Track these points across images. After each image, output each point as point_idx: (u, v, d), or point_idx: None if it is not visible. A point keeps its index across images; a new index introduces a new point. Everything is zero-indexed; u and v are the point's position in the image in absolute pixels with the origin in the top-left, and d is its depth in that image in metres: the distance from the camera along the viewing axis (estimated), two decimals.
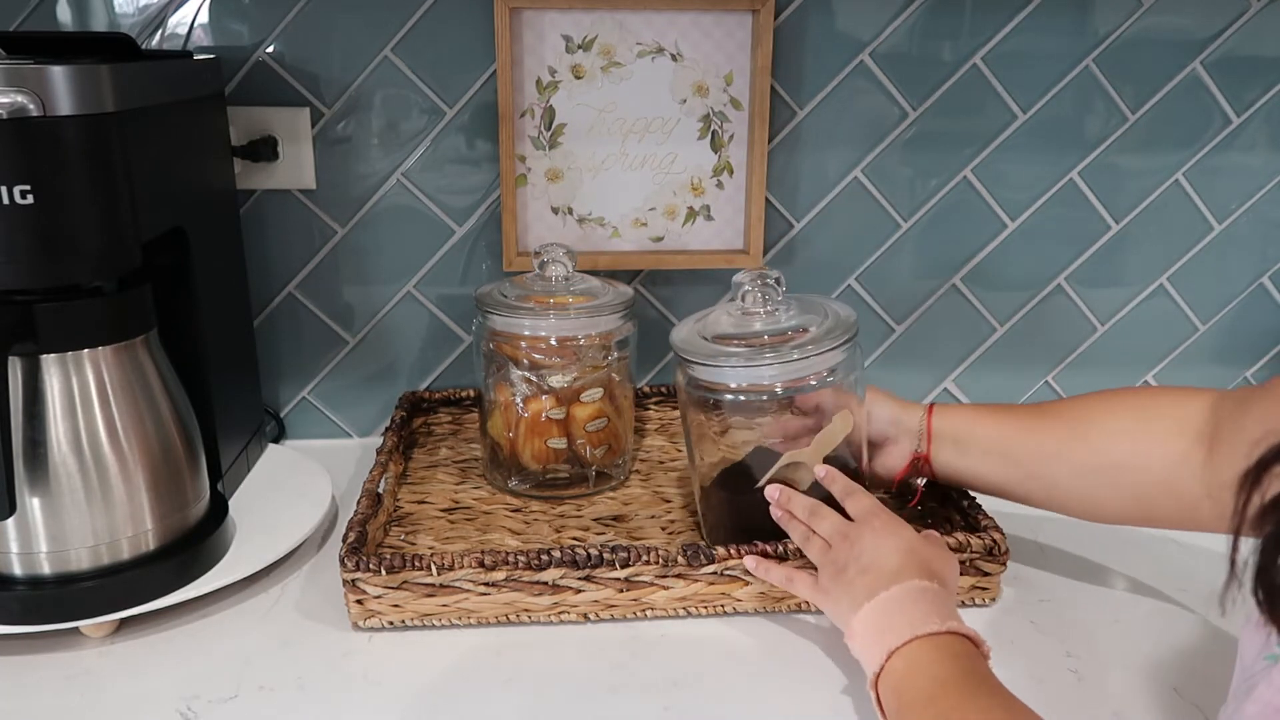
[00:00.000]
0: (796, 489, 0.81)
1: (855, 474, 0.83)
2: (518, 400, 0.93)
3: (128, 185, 0.72)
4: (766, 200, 1.07)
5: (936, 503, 0.90)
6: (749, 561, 0.76)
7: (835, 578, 0.71)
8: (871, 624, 0.66)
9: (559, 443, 0.94)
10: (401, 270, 1.07)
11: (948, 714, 0.58)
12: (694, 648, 0.76)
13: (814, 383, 0.80)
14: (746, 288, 0.83)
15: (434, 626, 0.77)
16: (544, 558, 0.75)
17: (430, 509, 0.94)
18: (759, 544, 0.77)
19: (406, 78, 1.00)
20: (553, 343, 0.92)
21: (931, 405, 0.85)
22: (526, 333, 0.92)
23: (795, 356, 0.78)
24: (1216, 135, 1.09)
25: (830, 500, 0.80)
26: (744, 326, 0.82)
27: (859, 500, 0.76)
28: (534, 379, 0.93)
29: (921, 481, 0.86)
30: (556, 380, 0.93)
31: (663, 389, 1.12)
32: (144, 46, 0.97)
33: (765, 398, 0.81)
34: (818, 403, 0.82)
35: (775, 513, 0.78)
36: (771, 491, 0.79)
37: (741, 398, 0.81)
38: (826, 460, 0.81)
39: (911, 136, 1.07)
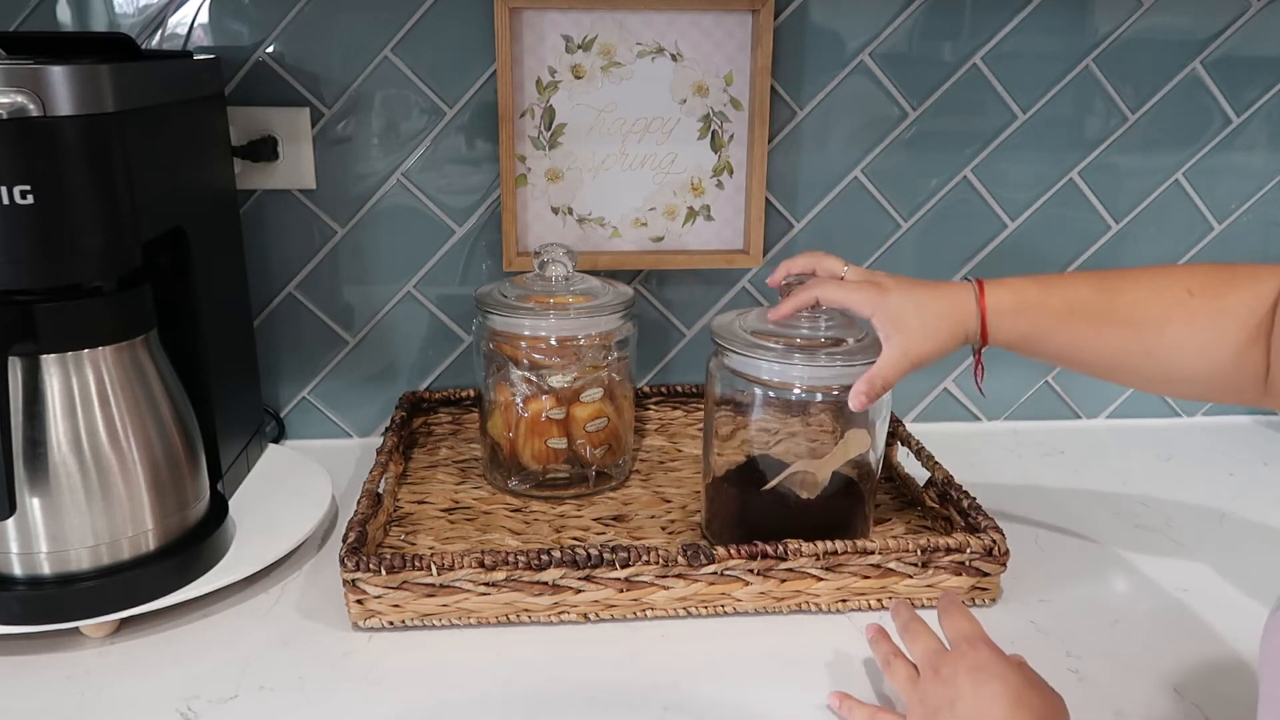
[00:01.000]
0: (800, 497, 0.82)
1: (863, 494, 0.84)
2: (518, 400, 0.93)
3: (128, 185, 0.72)
4: (766, 200, 1.07)
5: (936, 503, 0.90)
6: (832, 700, 0.68)
7: None
8: None
9: (559, 443, 0.94)
10: (401, 270, 1.07)
11: None
12: (694, 648, 0.76)
13: (836, 392, 0.80)
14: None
15: (434, 626, 0.77)
16: (544, 558, 0.75)
17: (430, 509, 0.94)
18: (836, 694, 0.70)
19: (406, 78, 1.00)
20: (553, 343, 0.92)
21: (985, 324, 0.74)
22: (526, 333, 0.92)
23: (826, 362, 0.79)
24: (1216, 135, 1.10)
25: (839, 504, 0.82)
26: (786, 327, 0.82)
27: (956, 620, 0.67)
28: (534, 379, 0.93)
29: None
30: (556, 380, 0.93)
31: (663, 389, 1.12)
32: (144, 46, 0.97)
33: (793, 396, 0.82)
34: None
35: (869, 632, 0.71)
36: (873, 630, 0.72)
37: (770, 393, 0.82)
38: (835, 474, 0.82)
39: (911, 136, 1.07)
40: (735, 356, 0.81)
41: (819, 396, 0.82)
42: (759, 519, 0.82)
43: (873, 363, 0.76)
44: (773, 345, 0.80)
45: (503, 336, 0.93)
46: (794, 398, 0.82)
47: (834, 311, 0.82)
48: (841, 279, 0.80)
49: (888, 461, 1.01)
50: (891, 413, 1.01)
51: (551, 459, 0.95)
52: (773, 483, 0.83)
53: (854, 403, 0.76)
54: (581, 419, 0.94)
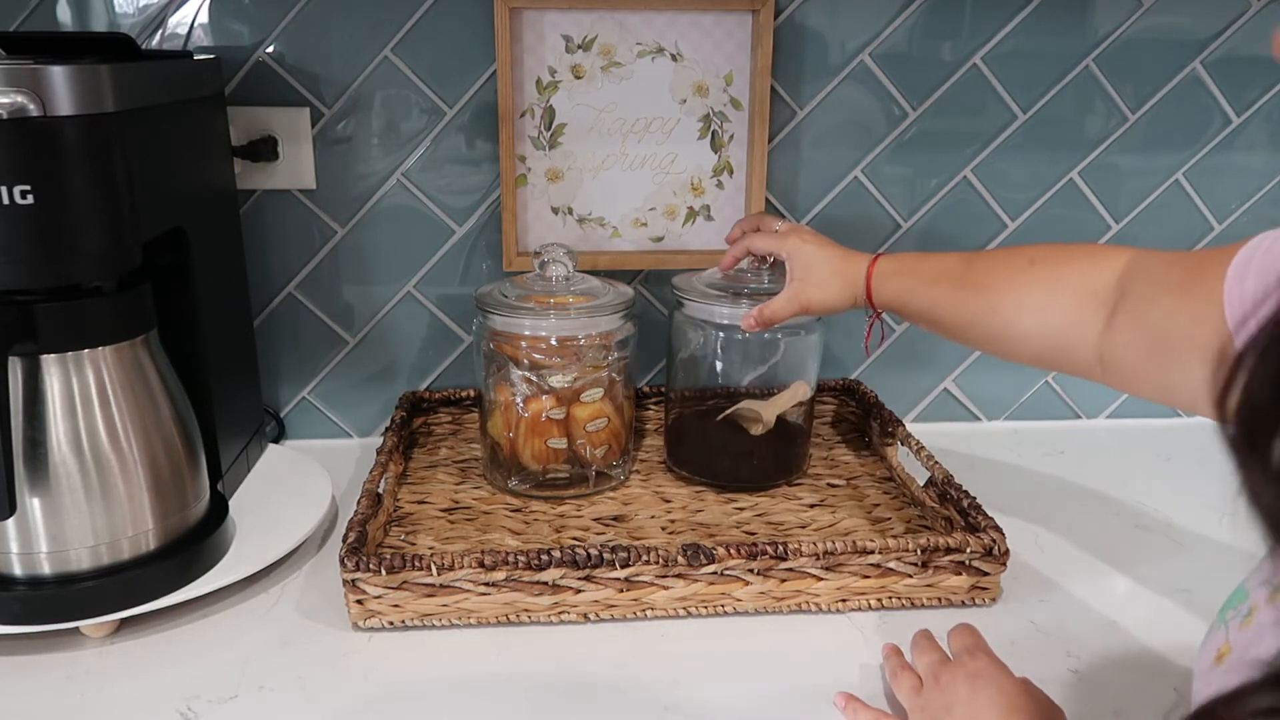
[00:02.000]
0: (749, 433, 0.96)
1: (803, 434, 0.99)
2: (518, 400, 0.93)
3: (128, 185, 0.72)
4: (766, 200, 1.07)
5: (936, 503, 0.90)
6: (838, 700, 0.69)
7: None
8: None
9: (559, 443, 0.94)
10: (401, 270, 1.07)
11: None
12: (694, 648, 0.76)
13: (780, 335, 0.96)
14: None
15: (434, 626, 0.77)
16: (544, 558, 0.75)
17: (430, 509, 0.94)
18: (842, 694, 0.70)
19: (406, 78, 1.00)
20: (553, 343, 0.92)
21: (870, 282, 0.84)
22: (527, 333, 0.92)
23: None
24: (1216, 135, 1.10)
25: (782, 443, 0.98)
26: (736, 280, 0.96)
27: (962, 635, 0.71)
28: (534, 379, 0.93)
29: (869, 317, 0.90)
30: (557, 380, 0.93)
31: (663, 389, 1.12)
32: (144, 46, 0.97)
33: (741, 336, 0.96)
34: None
35: (884, 650, 0.74)
36: (887, 648, 0.74)
37: (722, 334, 0.97)
38: (779, 419, 0.96)
39: (911, 136, 1.07)
40: (692, 304, 0.95)
41: (765, 335, 0.95)
42: (715, 444, 0.97)
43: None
44: (723, 294, 0.94)
45: (503, 336, 0.93)
46: (740, 338, 0.96)
47: (778, 267, 0.93)
48: (775, 231, 0.92)
49: (888, 461, 1.02)
50: (891, 412, 1.03)
51: (551, 459, 0.95)
52: (727, 412, 0.96)
53: (744, 323, 0.90)
54: (581, 419, 0.94)
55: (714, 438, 0.97)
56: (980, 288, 0.78)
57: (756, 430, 0.96)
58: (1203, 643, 0.48)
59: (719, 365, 0.99)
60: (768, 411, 0.96)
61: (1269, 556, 0.36)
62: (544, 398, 0.93)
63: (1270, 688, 0.36)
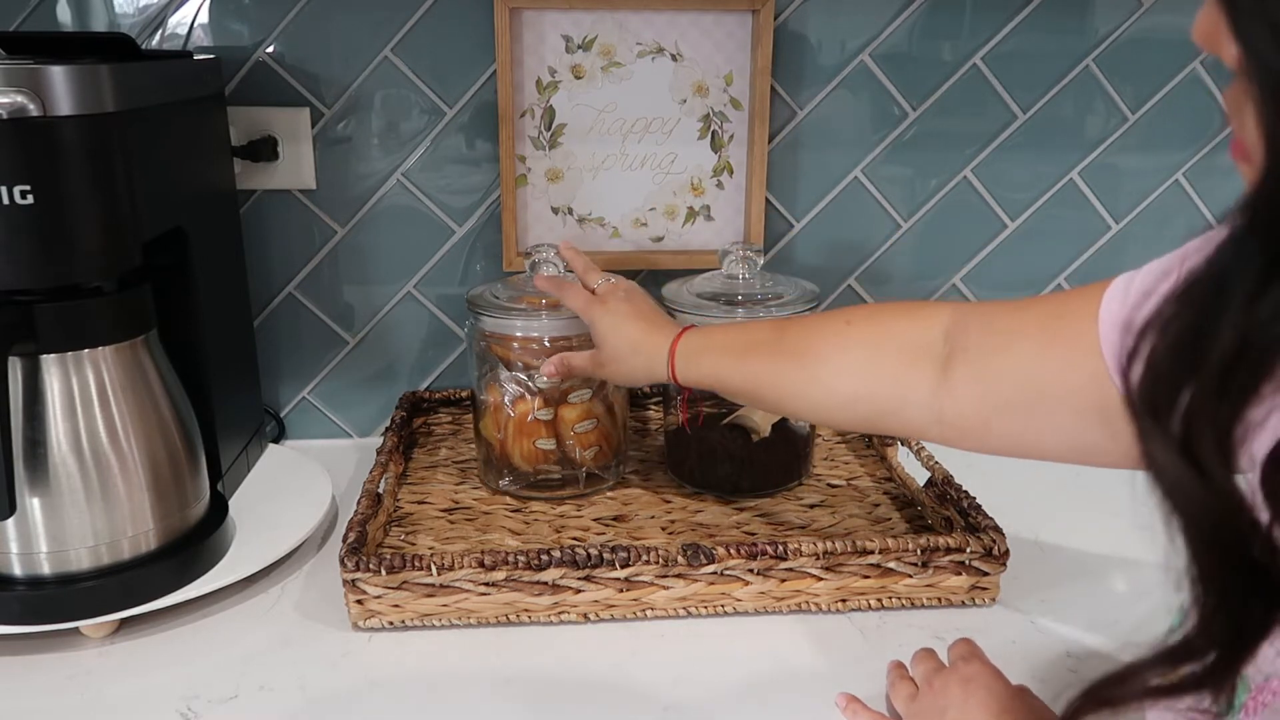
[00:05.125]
0: (750, 440, 0.93)
1: (806, 440, 0.97)
2: (506, 401, 0.93)
3: (128, 185, 0.72)
4: (766, 200, 1.07)
5: (936, 503, 0.90)
6: (840, 700, 0.69)
7: None
8: None
9: (547, 444, 0.94)
10: (401, 270, 1.07)
11: None
12: (694, 648, 0.76)
13: None
14: (731, 257, 0.96)
15: (434, 626, 0.77)
16: (544, 558, 0.75)
17: (430, 509, 0.94)
18: (843, 695, 0.70)
19: (406, 78, 1.00)
20: (545, 344, 0.92)
21: (674, 362, 0.78)
22: (518, 334, 0.91)
23: (762, 315, 0.90)
24: (1217, 135, 1.09)
25: (783, 448, 0.95)
26: (727, 287, 0.95)
27: (959, 645, 0.71)
28: (522, 380, 0.92)
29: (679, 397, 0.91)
30: (543, 381, 0.92)
31: (663, 389, 1.12)
32: (144, 46, 0.97)
33: None
34: None
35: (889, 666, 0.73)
36: (890, 665, 0.73)
37: None
38: (775, 427, 0.94)
39: (911, 136, 1.07)
40: (683, 315, 0.91)
41: None
42: (715, 453, 0.95)
43: (802, 312, 0.90)
44: (714, 303, 0.93)
45: (494, 337, 0.93)
46: None
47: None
48: (593, 289, 0.87)
49: (888, 461, 1.02)
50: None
51: (541, 460, 0.94)
52: (731, 417, 0.94)
53: (543, 369, 0.86)
54: (569, 420, 0.93)
55: (714, 446, 0.96)
56: (796, 354, 0.73)
57: (756, 437, 0.95)
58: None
59: None
60: (764, 421, 0.95)
61: (1164, 527, 0.36)
62: (531, 399, 0.93)
63: (1159, 663, 0.37)
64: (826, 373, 0.71)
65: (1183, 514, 0.35)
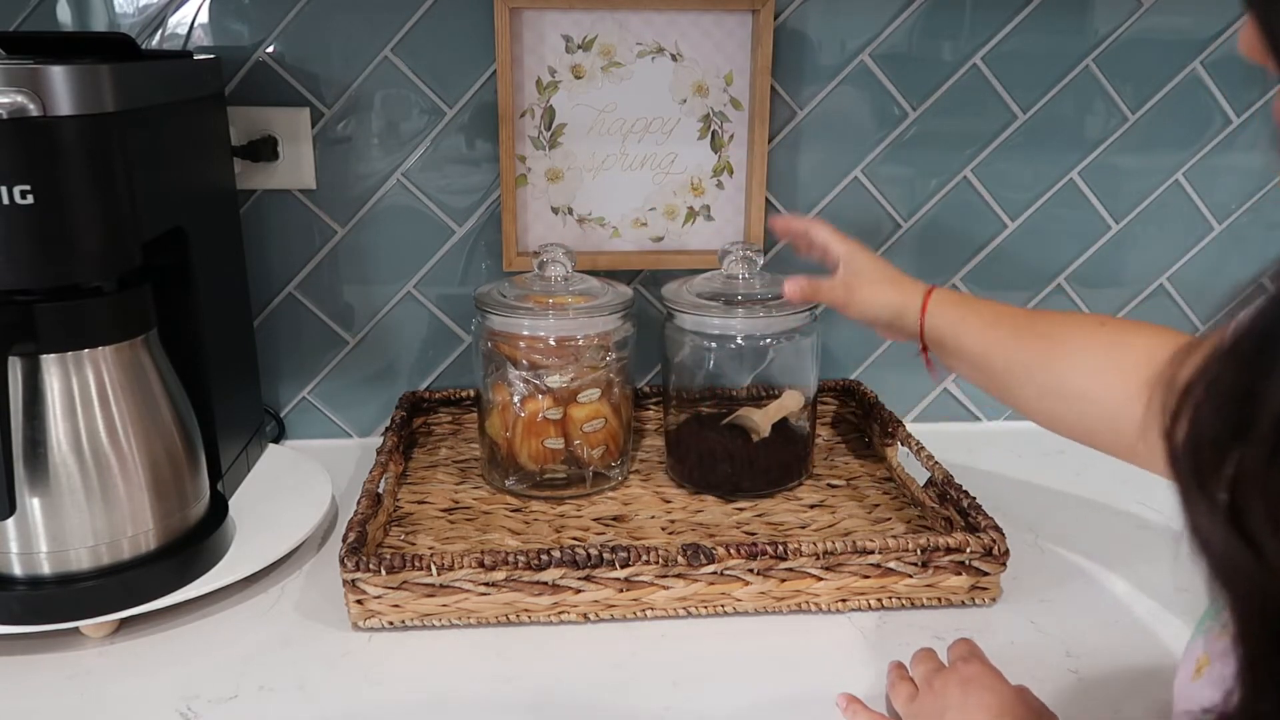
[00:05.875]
0: (749, 440, 0.94)
1: (805, 440, 0.98)
2: (515, 400, 0.93)
3: (128, 185, 0.72)
4: (766, 200, 1.07)
5: (936, 503, 0.90)
6: (840, 700, 0.69)
7: None
8: None
9: (556, 443, 0.94)
10: (401, 270, 1.07)
11: None
12: (694, 648, 0.76)
13: (770, 341, 0.95)
14: (732, 257, 0.96)
15: (434, 626, 0.77)
16: (544, 558, 0.75)
17: (430, 509, 0.94)
18: (844, 695, 0.70)
19: (406, 78, 1.00)
20: (551, 343, 0.92)
21: (927, 302, 0.80)
22: (525, 333, 0.92)
23: (761, 314, 0.92)
24: (1216, 135, 1.09)
25: (783, 448, 0.96)
26: (727, 287, 0.96)
27: (958, 646, 0.71)
28: (531, 379, 0.93)
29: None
30: (554, 380, 0.93)
31: (662, 390, 1.12)
32: (144, 46, 0.97)
33: (733, 345, 0.95)
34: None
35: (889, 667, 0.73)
36: (891, 664, 0.73)
37: (713, 344, 0.96)
38: (775, 426, 0.95)
39: (911, 136, 1.07)
40: (682, 315, 0.94)
41: (758, 343, 0.95)
42: (715, 453, 0.96)
43: (802, 313, 0.91)
44: (714, 303, 0.93)
45: (501, 336, 0.93)
46: (732, 346, 0.95)
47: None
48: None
49: (888, 462, 1.02)
50: (891, 413, 1.03)
51: (548, 459, 0.95)
52: (730, 418, 0.96)
53: (787, 289, 0.85)
54: (578, 419, 0.93)
55: (713, 446, 0.96)
56: (1042, 335, 0.73)
57: (755, 437, 0.96)
58: (1183, 654, 0.48)
59: (713, 373, 0.97)
60: (763, 422, 0.95)
61: (1211, 596, 0.34)
62: (541, 398, 0.93)
63: None
64: (1063, 360, 0.71)
65: (1230, 588, 0.33)
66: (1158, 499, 1.00)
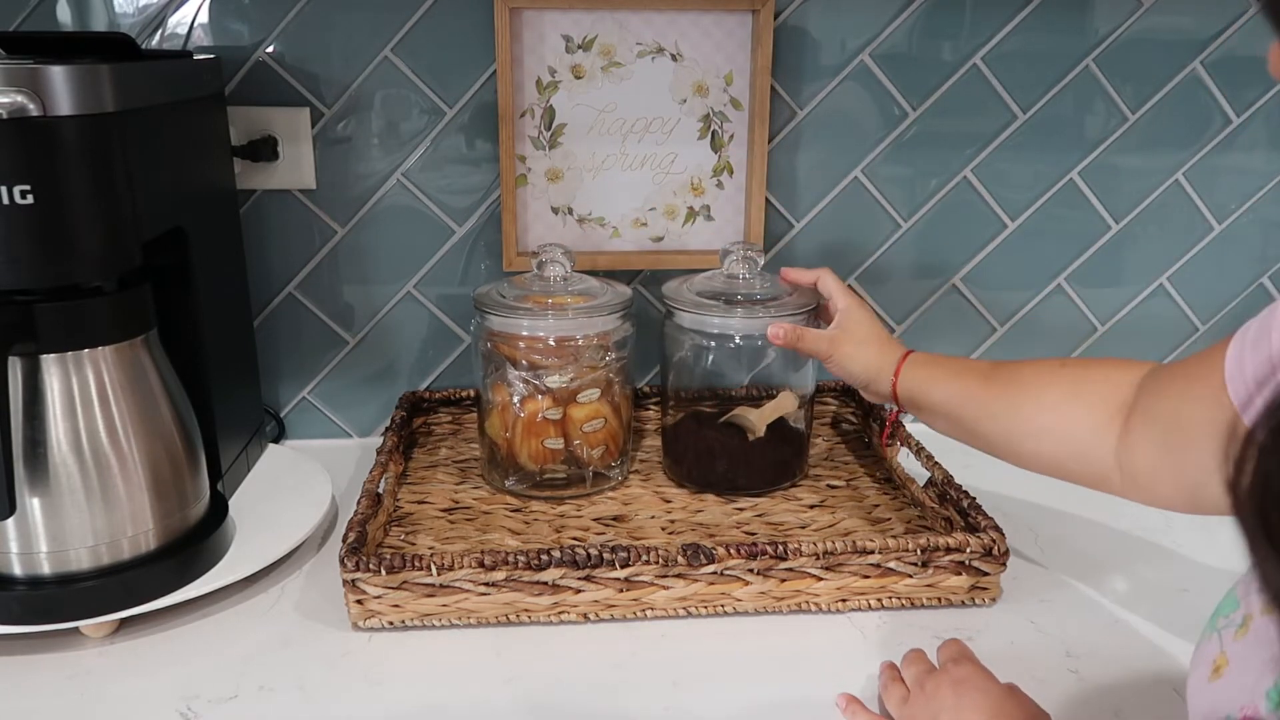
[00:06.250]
0: (746, 439, 0.95)
1: (801, 440, 0.99)
2: (515, 400, 0.93)
3: (128, 185, 0.72)
4: (766, 200, 1.07)
5: (936, 503, 0.90)
6: (840, 700, 0.69)
7: None
8: None
9: (555, 443, 0.94)
10: (401, 270, 1.07)
11: None
12: (694, 648, 0.76)
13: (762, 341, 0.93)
14: (732, 257, 0.96)
15: (434, 626, 0.77)
16: (544, 558, 0.75)
17: (430, 509, 0.94)
18: (844, 695, 0.70)
19: (406, 78, 1.00)
20: (550, 343, 0.92)
21: (900, 366, 0.85)
22: (525, 333, 0.92)
23: (760, 314, 0.92)
24: (1216, 135, 1.10)
25: (779, 448, 0.97)
26: (726, 286, 0.96)
27: (949, 647, 0.72)
28: (531, 379, 0.93)
29: (890, 409, 0.97)
30: (553, 381, 0.92)
31: (662, 389, 1.12)
32: (144, 46, 0.97)
33: (732, 345, 0.96)
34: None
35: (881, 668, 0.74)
36: (883, 664, 0.74)
37: (712, 342, 0.96)
38: (772, 426, 0.96)
39: (911, 136, 1.07)
40: (682, 314, 0.94)
41: (757, 343, 0.95)
42: (712, 451, 0.96)
43: (801, 314, 0.91)
44: (714, 302, 0.93)
45: (501, 336, 0.93)
46: (731, 346, 0.95)
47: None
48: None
49: (888, 462, 1.02)
50: (892, 411, 1.03)
51: (548, 459, 0.95)
52: (727, 416, 0.97)
53: (770, 331, 0.88)
54: (578, 419, 0.93)
55: (710, 444, 0.97)
56: (1005, 382, 0.77)
57: (751, 436, 0.96)
58: (1195, 652, 0.48)
59: (711, 372, 0.98)
60: (759, 421, 0.96)
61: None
62: (540, 398, 0.93)
63: None
64: (1028, 403, 0.75)
65: None
66: None
